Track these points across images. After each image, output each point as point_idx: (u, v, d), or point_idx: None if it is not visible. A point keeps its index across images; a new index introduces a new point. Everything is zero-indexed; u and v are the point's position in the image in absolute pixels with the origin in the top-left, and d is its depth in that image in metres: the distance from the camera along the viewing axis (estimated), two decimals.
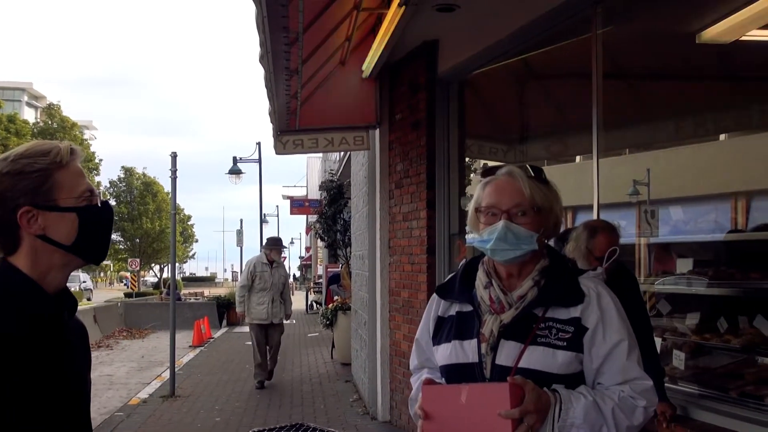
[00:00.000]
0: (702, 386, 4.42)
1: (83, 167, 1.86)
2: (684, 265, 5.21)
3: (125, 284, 67.02)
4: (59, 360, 1.79)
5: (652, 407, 2.19)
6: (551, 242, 2.53)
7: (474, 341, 2.25)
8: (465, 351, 2.27)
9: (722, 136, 6.57)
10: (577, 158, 7.96)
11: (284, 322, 12.09)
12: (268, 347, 11.57)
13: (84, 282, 50.05)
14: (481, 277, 2.32)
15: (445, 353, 2.33)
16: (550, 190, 2.28)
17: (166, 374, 11.70)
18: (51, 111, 43.18)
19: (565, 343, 2.15)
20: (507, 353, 2.18)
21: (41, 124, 43.56)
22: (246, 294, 11.53)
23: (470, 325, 2.29)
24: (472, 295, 2.33)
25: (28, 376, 1.68)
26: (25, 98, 75.72)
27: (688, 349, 4.71)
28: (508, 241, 2.21)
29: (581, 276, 2.28)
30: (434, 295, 2.49)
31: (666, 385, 4.30)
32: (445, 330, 2.37)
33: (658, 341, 4.61)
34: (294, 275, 76.06)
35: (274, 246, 12.07)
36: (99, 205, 1.84)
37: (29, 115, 61.54)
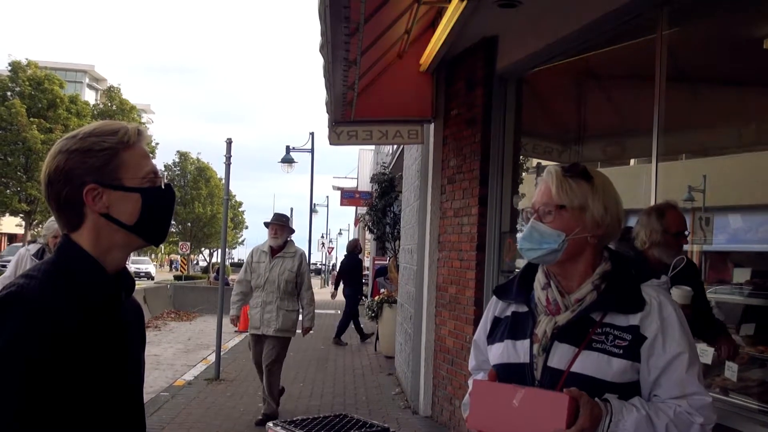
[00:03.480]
0: (754, 399, 4.32)
1: None
2: (741, 274, 5.10)
3: (175, 267, 68.06)
4: (116, 339, 1.81)
5: (710, 425, 2.10)
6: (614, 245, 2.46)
7: (527, 342, 2.22)
8: (517, 351, 2.24)
9: None
10: (632, 161, 7.83)
11: (299, 333, 8.72)
12: (267, 370, 8.40)
13: (146, 267, 51.39)
14: (540, 278, 2.29)
15: (498, 352, 2.31)
16: (588, 188, 2.20)
17: (212, 357, 11.86)
18: (111, 93, 43.91)
19: (621, 351, 2.09)
20: (560, 356, 2.14)
21: (101, 105, 44.36)
22: (244, 291, 8.66)
23: (524, 325, 2.26)
24: (530, 297, 2.30)
25: (86, 356, 1.70)
26: (87, 80, 77.12)
27: (741, 361, 4.60)
28: (532, 240, 2.21)
29: (644, 283, 2.20)
30: (493, 295, 2.46)
31: (717, 396, 4.22)
32: (500, 330, 2.35)
33: (710, 351, 4.52)
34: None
35: (274, 222, 8.60)
36: (162, 187, 1.86)
37: (90, 97, 62.71)
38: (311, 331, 8.86)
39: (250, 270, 8.55)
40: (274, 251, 8.45)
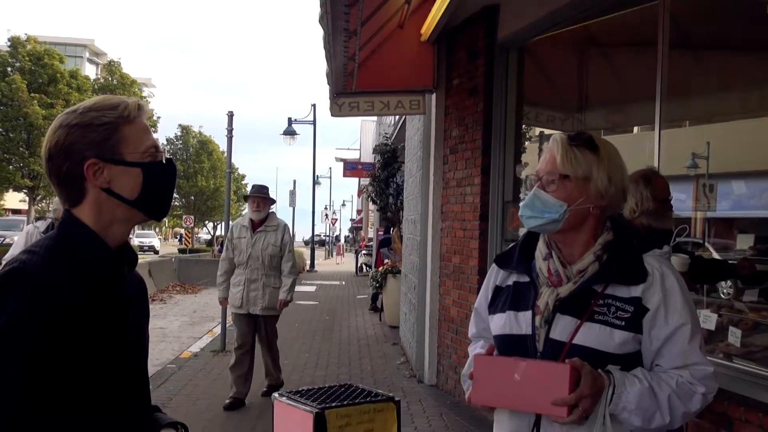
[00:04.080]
0: (758, 364, 4.34)
1: None
2: (745, 240, 5.10)
3: (179, 240, 68.19)
4: (119, 314, 1.82)
5: (711, 394, 2.11)
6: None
7: (528, 313, 2.21)
8: (519, 322, 2.23)
9: None
10: (635, 129, 7.80)
11: (276, 311, 8.00)
12: (265, 348, 8.10)
13: (150, 240, 51.34)
14: (541, 248, 2.28)
15: (499, 323, 2.30)
16: (593, 158, 2.17)
17: (218, 329, 11.90)
18: (111, 68, 43.70)
19: (623, 323, 2.09)
20: (562, 328, 2.14)
21: (102, 80, 44.19)
22: (228, 270, 8.08)
23: (526, 296, 2.25)
24: (531, 266, 2.29)
25: (90, 331, 1.71)
26: (87, 54, 76.71)
27: (745, 327, 4.62)
28: (533, 209, 2.19)
29: (646, 254, 2.19)
30: (493, 264, 2.45)
31: (721, 362, 4.24)
32: (501, 300, 2.34)
33: (714, 317, 4.54)
34: (345, 237, 76.09)
35: (255, 195, 7.98)
36: (163, 162, 1.86)
37: (90, 71, 62.41)
38: (287, 306, 8.05)
39: (231, 247, 7.99)
40: (255, 225, 7.89)
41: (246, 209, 8.21)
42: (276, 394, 3.14)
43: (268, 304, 7.79)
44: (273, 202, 8.09)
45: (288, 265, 7.92)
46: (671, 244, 3.68)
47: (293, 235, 33.08)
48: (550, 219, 2.16)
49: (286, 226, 8.11)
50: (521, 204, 2.22)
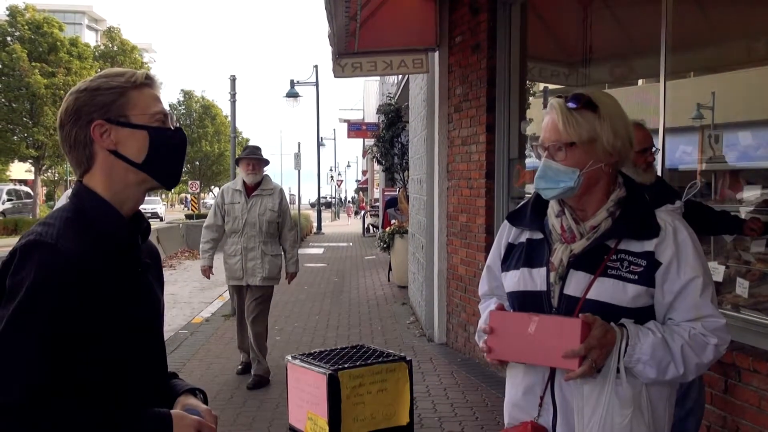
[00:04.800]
0: (766, 315, 4.37)
1: None
2: (752, 191, 5.09)
3: (185, 206, 68.30)
4: (136, 282, 1.85)
5: (723, 345, 2.14)
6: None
7: (543, 270, 2.23)
8: (533, 279, 2.25)
9: None
10: (640, 81, 7.74)
11: (282, 281, 7.58)
12: (252, 321, 7.31)
13: (153, 207, 51.18)
14: (553, 205, 2.29)
15: (513, 280, 2.32)
16: (594, 118, 2.16)
17: (227, 294, 11.99)
18: (111, 34, 43.45)
19: (636, 277, 2.11)
20: (576, 284, 2.16)
21: (102, 47, 43.98)
22: (215, 238, 7.55)
23: (540, 253, 2.27)
24: (544, 223, 2.31)
25: (108, 300, 1.74)
26: (86, 21, 76.31)
27: (753, 278, 4.64)
28: (547, 180, 2.19)
29: (658, 209, 2.21)
30: (505, 221, 2.46)
31: (729, 313, 4.26)
32: (514, 257, 2.36)
33: (721, 269, 4.55)
34: (352, 198, 75.87)
35: (248, 156, 7.34)
36: (172, 128, 1.88)
37: (90, 39, 62.13)
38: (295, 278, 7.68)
39: (221, 213, 7.36)
40: (250, 189, 7.28)
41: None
42: (289, 357, 3.18)
43: (268, 273, 7.23)
44: (267, 163, 7.43)
45: (291, 234, 7.45)
46: (683, 199, 3.67)
47: (299, 197, 32.90)
48: (566, 187, 2.17)
49: (282, 189, 7.51)
50: (536, 177, 2.21)
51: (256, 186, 7.30)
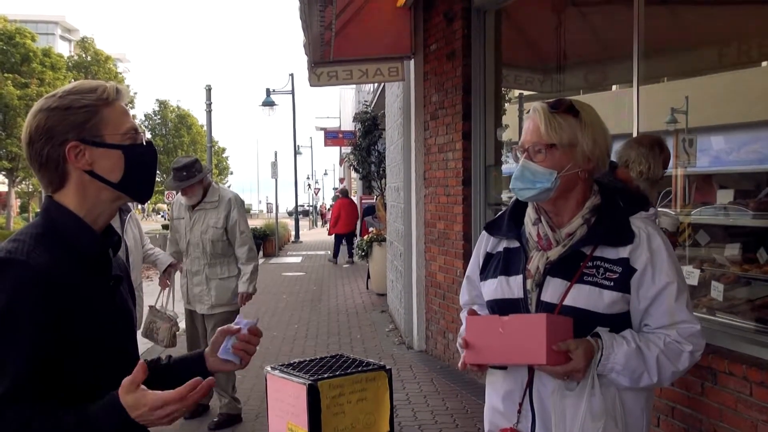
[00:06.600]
0: (741, 317, 4.41)
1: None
2: (725, 195, 5.14)
3: (162, 216, 67.87)
4: (109, 294, 1.85)
5: (699, 351, 2.17)
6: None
7: (519, 277, 2.26)
8: (510, 287, 2.28)
9: (765, 63, 6.40)
10: (614, 87, 7.81)
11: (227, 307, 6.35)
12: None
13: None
14: (530, 213, 2.32)
15: (491, 288, 2.35)
16: (576, 123, 2.20)
17: None
18: (85, 44, 43.25)
19: (612, 283, 2.14)
20: (553, 290, 2.19)
21: (75, 57, 43.70)
22: (177, 251, 6.65)
23: (517, 261, 2.30)
24: (520, 232, 2.33)
25: (83, 312, 1.73)
26: (59, 31, 75.73)
27: (727, 281, 4.68)
28: (524, 180, 2.21)
29: (633, 216, 2.24)
30: (483, 231, 2.49)
31: (704, 316, 4.30)
32: (492, 266, 2.39)
33: (696, 272, 4.59)
34: (314, 207, 73.80)
35: (174, 186, 6.23)
36: (144, 143, 1.87)
37: (63, 49, 61.63)
38: (251, 298, 6.59)
39: (173, 229, 6.61)
40: (194, 203, 6.28)
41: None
42: (268, 368, 3.16)
43: (216, 300, 6.28)
44: (202, 176, 6.14)
45: (243, 250, 6.27)
46: (656, 206, 3.68)
47: (276, 206, 32.53)
48: (543, 188, 2.19)
49: (232, 199, 6.31)
50: (513, 177, 2.23)
51: (198, 199, 6.26)
